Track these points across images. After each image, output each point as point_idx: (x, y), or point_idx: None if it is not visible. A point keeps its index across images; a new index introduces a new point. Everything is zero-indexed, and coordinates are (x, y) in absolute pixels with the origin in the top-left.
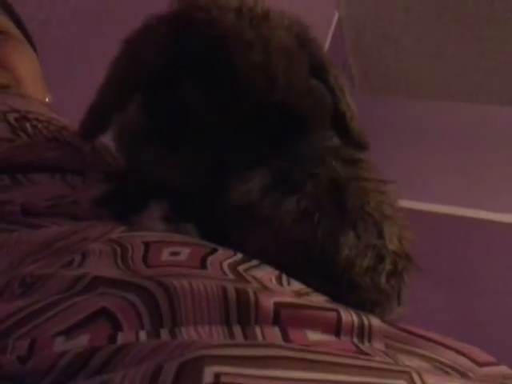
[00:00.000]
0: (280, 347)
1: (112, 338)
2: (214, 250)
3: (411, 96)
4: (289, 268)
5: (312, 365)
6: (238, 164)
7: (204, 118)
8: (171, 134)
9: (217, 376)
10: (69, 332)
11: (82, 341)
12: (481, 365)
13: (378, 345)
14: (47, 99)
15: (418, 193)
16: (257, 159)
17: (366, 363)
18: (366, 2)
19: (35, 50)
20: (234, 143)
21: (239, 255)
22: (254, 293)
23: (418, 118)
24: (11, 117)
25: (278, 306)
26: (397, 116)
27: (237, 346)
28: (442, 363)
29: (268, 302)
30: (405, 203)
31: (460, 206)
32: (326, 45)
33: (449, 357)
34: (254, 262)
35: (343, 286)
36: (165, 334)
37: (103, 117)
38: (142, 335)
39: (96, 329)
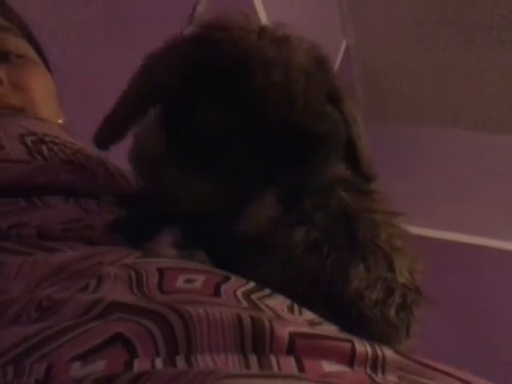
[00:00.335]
0: (298, 379)
1: (128, 365)
2: (227, 278)
3: (419, 123)
4: (298, 298)
5: None
6: (249, 190)
7: (220, 135)
8: (187, 154)
9: None
10: (85, 357)
11: (99, 366)
12: None
13: (391, 377)
14: (60, 121)
15: (425, 219)
16: (268, 185)
17: None
18: (373, 30)
19: (51, 72)
20: (247, 166)
21: (252, 283)
22: (269, 322)
23: (426, 145)
24: (28, 139)
25: (293, 336)
26: (405, 143)
27: (256, 376)
28: None
29: (283, 332)
30: (411, 230)
31: (469, 233)
32: None
33: None
34: (267, 291)
35: (352, 317)
36: (180, 362)
37: (117, 128)
38: (158, 363)
39: (112, 354)
